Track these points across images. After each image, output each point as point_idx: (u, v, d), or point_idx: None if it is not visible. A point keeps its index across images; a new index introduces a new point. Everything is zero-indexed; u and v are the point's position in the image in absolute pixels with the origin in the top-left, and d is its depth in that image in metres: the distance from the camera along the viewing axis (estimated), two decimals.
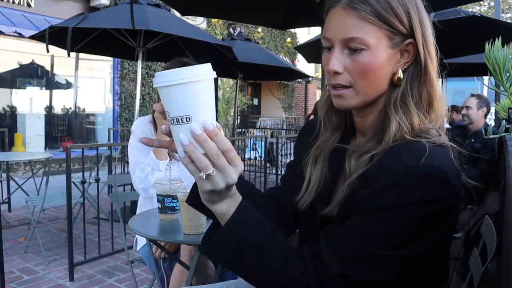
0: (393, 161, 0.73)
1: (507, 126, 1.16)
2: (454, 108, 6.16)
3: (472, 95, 3.72)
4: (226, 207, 0.73)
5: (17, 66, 7.89)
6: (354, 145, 0.83)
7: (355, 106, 0.81)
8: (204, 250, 0.78)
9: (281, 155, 6.57)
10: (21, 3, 7.35)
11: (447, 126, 6.36)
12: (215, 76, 0.69)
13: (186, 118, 0.65)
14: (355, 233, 0.73)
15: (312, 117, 2.94)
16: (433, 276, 0.82)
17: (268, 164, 5.95)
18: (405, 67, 0.80)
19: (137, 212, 2.03)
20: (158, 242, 1.70)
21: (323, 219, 0.85)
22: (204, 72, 0.66)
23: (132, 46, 4.40)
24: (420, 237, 0.72)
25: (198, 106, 0.65)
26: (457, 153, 0.78)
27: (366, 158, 0.77)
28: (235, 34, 7.22)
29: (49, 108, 8.43)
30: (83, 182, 3.17)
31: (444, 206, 0.71)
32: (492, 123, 5.72)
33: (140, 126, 2.02)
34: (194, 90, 0.64)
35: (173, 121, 0.66)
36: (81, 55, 7.71)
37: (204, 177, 0.67)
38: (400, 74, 0.79)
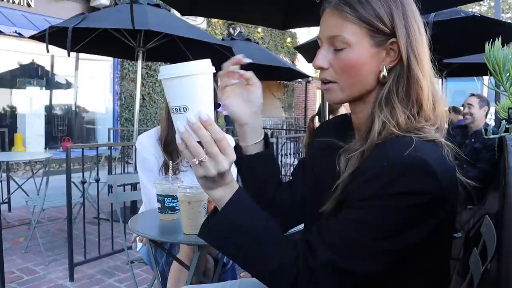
0: (380, 154, 0.75)
1: (507, 126, 1.16)
2: (453, 109, 6.16)
3: (473, 95, 3.73)
4: (221, 194, 0.77)
5: (17, 66, 7.89)
6: (347, 145, 0.85)
7: (342, 100, 0.85)
8: (201, 233, 0.81)
9: (281, 155, 6.57)
10: (21, 3, 7.35)
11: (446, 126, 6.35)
12: (214, 71, 0.75)
13: (183, 108, 0.72)
14: (344, 223, 0.75)
15: (316, 118, 2.94)
16: (431, 276, 0.81)
17: None
18: (391, 65, 0.81)
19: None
20: (158, 242, 1.70)
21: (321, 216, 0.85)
22: (202, 67, 0.73)
23: (132, 46, 4.40)
24: (406, 230, 0.72)
25: (194, 98, 0.72)
26: (454, 151, 0.79)
27: (356, 156, 0.79)
28: (235, 34, 7.22)
29: (49, 108, 8.43)
30: (83, 182, 3.17)
31: (430, 199, 0.71)
32: (492, 123, 5.72)
33: (144, 145, 1.92)
34: (191, 82, 0.71)
35: (173, 110, 0.73)
36: (81, 55, 7.69)
37: (197, 163, 0.73)
38: (385, 72, 0.81)
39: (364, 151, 0.79)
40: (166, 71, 0.72)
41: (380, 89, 0.82)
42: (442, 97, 0.84)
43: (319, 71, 0.86)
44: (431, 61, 0.84)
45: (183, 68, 0.71)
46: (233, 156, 0.75)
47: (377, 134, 0.78)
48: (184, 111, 0.72)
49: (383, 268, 0.73)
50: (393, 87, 0.80)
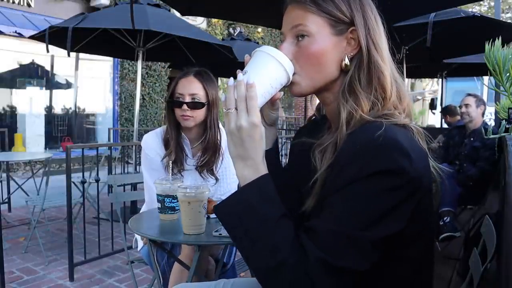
0: (351, 141, 0.76)
1: (507, 126, 1.16)
2: (448, 111, 6.13)
3: (469, 94, 3.76)
4: (247, 174, 0.79)
5: (17, 66, 7.89)
6: (319, 140, 0.86)
7: (305, 91, 0.88)
8: (217, 207, 0.81)
9: (281, 155, 6.58)
10: (21, 3, 7.35)
11: (446, 126, 6.36)
12: (288, 69, 0.82)
13: (245, 71, 0.83)
14: (328, 218, 0.75)
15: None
16: (412, 269, 0.82)
17: None
18: (352, 54, 0.85)
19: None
20: (158, 242, 1.70)
21: (302, 215, 0.86)
22: (278, 55, 0.82)
23: (132, 46, 4.40)
24: (388, 215, 0.73)
25: (255, 68, 0.82)
26: (424, 136, 0.82)
27: (329, 148, 0.81)
28: (235, 34, 7.21)
29: (49, 108, 8.43)
30: (83, 182, 3.17)
31: (406, 180, 0.72)
32: (492, 123, 5.72)
33: (150, 144, 1.92)
34: (262, 58, 0.83)
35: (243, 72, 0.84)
36: (81, 55, 7.70)
37: (225, 111, 0.79)
38: (346, 61, 0.84)
39: (337, 143, 0.80)
40: (262, 48, 0.85)
41: (344, 78, 0.85)
42: (406, 93, 0.88)
43: None
44: (397, 62, 0.88)
45: (268, 48, 0.84)
46: (255, 119, 0.77)
47: (345, 124, 0.80)
48: (244, 74, 0.82)
49: (371, 263, 0.73)
50: (355, 74, 0.84)
